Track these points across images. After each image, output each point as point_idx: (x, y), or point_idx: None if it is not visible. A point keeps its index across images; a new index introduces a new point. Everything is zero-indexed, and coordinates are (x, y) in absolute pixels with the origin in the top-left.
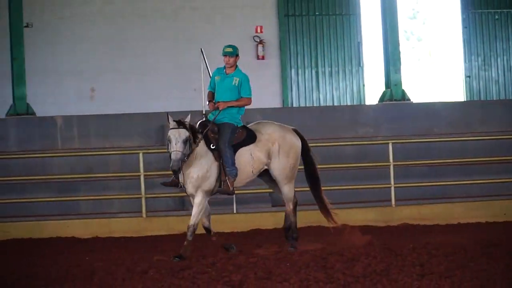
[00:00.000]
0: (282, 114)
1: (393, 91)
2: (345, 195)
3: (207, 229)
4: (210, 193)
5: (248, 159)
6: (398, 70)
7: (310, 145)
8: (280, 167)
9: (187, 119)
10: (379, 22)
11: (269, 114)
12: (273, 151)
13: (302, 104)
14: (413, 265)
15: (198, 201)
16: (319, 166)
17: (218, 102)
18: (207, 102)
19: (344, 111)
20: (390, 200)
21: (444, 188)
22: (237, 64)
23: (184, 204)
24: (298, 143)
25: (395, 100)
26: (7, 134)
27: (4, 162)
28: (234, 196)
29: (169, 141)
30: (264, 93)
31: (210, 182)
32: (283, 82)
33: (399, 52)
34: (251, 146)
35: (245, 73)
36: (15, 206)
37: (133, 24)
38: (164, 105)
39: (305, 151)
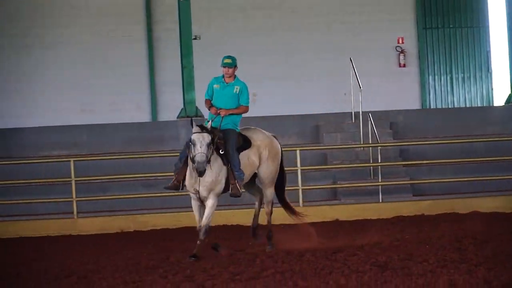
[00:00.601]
0: (422, 115)
1: None
2: (476, 186)
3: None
4: (219, 195)
5: (245, 163)
6: None
7: (444, 142)
8: (268, 171)
9: (208, 125)
10: (505, 33)
11: (410, 115)
12: (263, 156)
13: (439, 106)
14: None
15: (211, 204)
16: (455, 160)
17: (220, 108)
18: (208, 109)
19: (475, 112)
20: None
21: None
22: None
23: (336, 194)
24: (280, 149)
25: None
26: (178, 133)
27: (174, 159)
28: (380, 187)
29: (194, 144)
30: (405, 97)
31: (221, 185)
32: (421, 86)
33: None
34: (247, 151)
35: (244, 82)
36: (186, 198)
37: (290, 36)
38: (317, 107)
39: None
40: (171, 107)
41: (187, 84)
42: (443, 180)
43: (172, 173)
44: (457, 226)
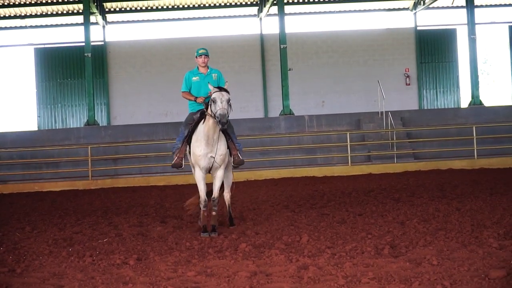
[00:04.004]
0: (419, 113)
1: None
2: (451, 153)
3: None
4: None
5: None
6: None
7: (432, 128)
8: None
9: (226, 86)
10: (467, 65)
11: (413, 112)
12: None
13: (429, 107)
14: None
15: (221, 174)
16: (439, 139)
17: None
18: (195, 100)
19: (450, 111)
20: None
21: None
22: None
23: (370, 158)
24: None
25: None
26: (280, 124)
27: (277, 139)
28: (395, 154)
29: (214, 101)
30: (409, 102)
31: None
32: (419, 96)
33: (477, 77)
34: None
35: (217, 68)
36: (303, 160)
37: (344, 67)
38: (359, 108)
39: None
40: (275, 109)
41: (285, 96)
42: (432, 150)
43: (171, 153)
44: (440, 176)
